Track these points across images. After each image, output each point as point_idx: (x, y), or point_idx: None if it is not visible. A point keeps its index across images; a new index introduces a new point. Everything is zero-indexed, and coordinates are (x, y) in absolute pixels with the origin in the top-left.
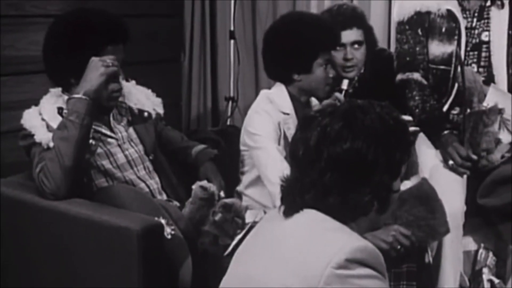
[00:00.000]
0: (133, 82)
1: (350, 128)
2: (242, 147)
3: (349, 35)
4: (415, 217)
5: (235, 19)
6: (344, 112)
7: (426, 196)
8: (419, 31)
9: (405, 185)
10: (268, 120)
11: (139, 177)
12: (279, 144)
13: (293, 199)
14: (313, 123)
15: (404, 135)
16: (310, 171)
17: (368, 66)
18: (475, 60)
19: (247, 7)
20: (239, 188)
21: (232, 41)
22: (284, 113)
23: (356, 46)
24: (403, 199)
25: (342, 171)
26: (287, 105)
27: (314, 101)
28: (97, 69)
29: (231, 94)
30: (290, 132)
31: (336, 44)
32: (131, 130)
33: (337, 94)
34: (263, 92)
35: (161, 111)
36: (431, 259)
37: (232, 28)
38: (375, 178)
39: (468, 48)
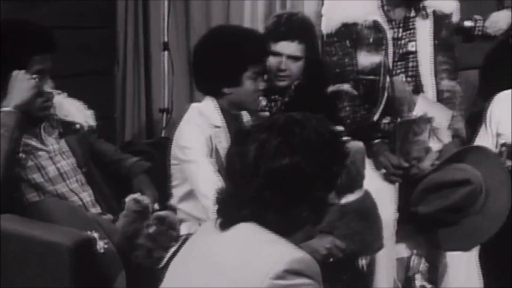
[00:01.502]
0: (64, 94)
1: (288, 143)
2: (172, 161)
3: (288, 47)
4: (353, 230)
5: (168, 30)
6: (281, 127)
7: (366, 212)
8: (347, 43)
9: (348, 198)
10: (199, 133)
11: (71, 190)
12: (211, 157)
13: (230, 213)
14: (250, 137)
15: (340, 147)
16: (247, 187)
17: (305, 76)
18: (402, 69)
19: (180, 18)
20: (172, 202)
21: (166, 53)
22: (215, 126)
23: (292, 59)
24: (344, 211)
25: (281, 187)
26: (218, 118)
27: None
28: (25, 82)
29: (166, 106)
30: (222, 146)
31: (265, 57)
32: (62, 142)
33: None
34: (193, 105)
35: (93, 123)
36: (365, 267)
37: (165, 40)
38: (313, 192)
39: (396, 58)
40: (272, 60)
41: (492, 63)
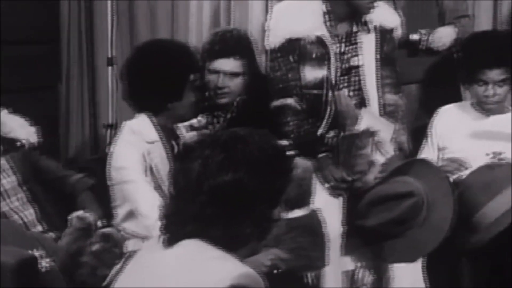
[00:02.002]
0: (5, 111)
1: (231, 159)
2: (110, 182)
3: (224, 64)
4: (299, 245)
5: (113, 45)
6: (224, 143)
7: (313, 228)
8: (291, 58)
9: (295, 213)
10: (132, 152)
11: (12, 209)
12: (146, 175)
13: (174, 229)
14: (193, 154)
15: (284, 163)
16: (191, 203)
17: (247, 92)
18: (346, 84)
19: (125, 33)
20: (115, 222)
21: (111, 68)
22: (149, 142)
23: (230, 75)
24: (291, 226)
25: (224, 203)
26: (153, 134)
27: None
28: None
29: (111, 121)
30: (156, 162)
31: (200, 68)
32: (3, 160)
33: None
34: (126, 124)
35: (35, 140)
36: (310, 280)
37: (111, 55)
38: (257, 209)
39: (340, 73)
40: (210, 78)
41: (433, 77)
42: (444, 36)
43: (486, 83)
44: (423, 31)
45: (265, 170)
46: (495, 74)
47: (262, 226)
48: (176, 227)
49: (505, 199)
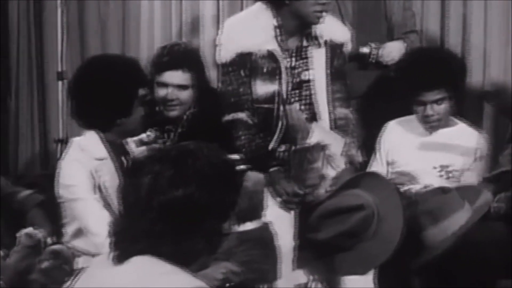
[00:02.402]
0: None
1: (181, 175)
2: (59, 199)
3: (173, 77)
4: (250, 258)
5: (63, 59)
6: (174, 158)
7: (265, 241)
8: (242, 72)
9: (247, 226)
10: (80, 170)
11: None
12: (95, 192)
13: (124, 247)
14: (143, 169)
15: (233, 177)
16: (141, 220)
17: (198, 106)
18: (297, 98)
19: (76, 47)
20: (65, 239)
21: (61, 82)
22: (98, 159)
23: (179, 88)
24: (243, 239)
25: (175, 219)
26: (102, 150)
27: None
28: None
29: (61, 136)
30: (104, 179)
31: (148, 82)
32: None
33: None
34: (74, 140)
35: None
36: None
37: (61, 69)
38: (208, 223)
39: (291, 87)
40: (159, 91)
41: (382, 91)
42: (393, 50)
43: (424, 103)
44: (373, 45)
45: (215, 185)
46: (432, 94)
47: (213, 240)
48: (126, 244)
49: (448, 226)
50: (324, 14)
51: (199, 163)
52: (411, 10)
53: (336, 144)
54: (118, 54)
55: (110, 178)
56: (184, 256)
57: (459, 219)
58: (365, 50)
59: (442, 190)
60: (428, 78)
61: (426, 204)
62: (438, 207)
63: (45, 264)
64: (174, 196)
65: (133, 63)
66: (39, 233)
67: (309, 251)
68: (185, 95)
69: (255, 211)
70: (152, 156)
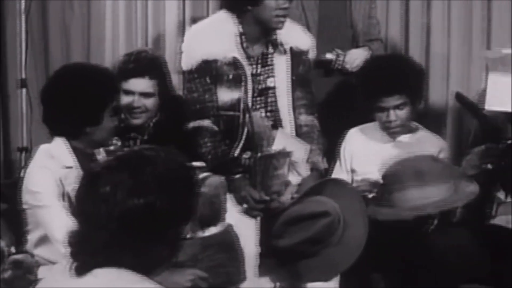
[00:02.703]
0: None
1: (141, 184)
2: (24, 206)
3: (138, 84)
4: (216, 263)
5: (26, 67)
6: (133, 167)
7: (229, 244)
8: (207, 79)
9: (211, 231)
10: (48, 176)
11: None
12: (63, 200)
13: (84, 258)
14: (101, 180)
15: (191, 181)
16: (100, 232)
17: (163, 113)
18: (262, 105)
19: (38, 54)
20: (27, 247)
21: (23, 90)
22: (66, 167)
23: (145, 95)
24: (207, 244)
25: (136, 229)
26: (70, 159)
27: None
28: None
29: (24, 144)
30: (72, 187)
31: (119, 93)
32: None
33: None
34: (42, 147)
35: None
36: None
37: (23, 76)
38: (170, 231)
39: (255, 94)
40: (125, 99)
41: (335, 99)
42: (358, 58)
43: (385, 109)
44: (338, 51)
45: (175, 190)
46: (393, 100)
47: (175, 246)
48: (85, 256)
49: (432, 192)
50: (285, 19)
51: (158, 170)
52: (375, 18)
53: (300, 151)
54: (92, 63)
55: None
56: (147, 265)
57: (445, 191)
58: (329, 56)
59: (433, 158)
60: (388, 84)
61: (417, 164)
62: (429, 171)
63: (7, 274)
64: (135, 206)
65: (105, 73)
66: (1, 243)
67: (273, 258)
68: (150, 102)
69: (217, 215)
70: (110, 166)
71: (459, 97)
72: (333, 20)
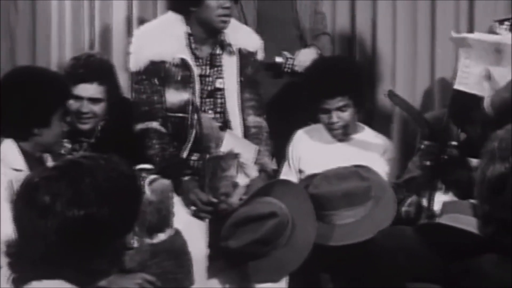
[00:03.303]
0: None
1: (80, 194)
2: None
3: (88, 90)
4: (164, 270)
5: None
6: (72, 178)
7: (177, 251)
8: (155, 81)
9: (159, 237)
10: None
11: None
12: None
13: (23, 270)
14: (39, 190)
15: (134, 189)
16: (39, 244)
17: (110, 116)
18: (211, 106)
19: None
20: None
21: None
22: (16, 170)
23: (93, 101)
24: (155, 251)
25: (76, 241)
26: (19, 162)
27: None
28: None
29: None
30: None
31: (69, 98)
32: None
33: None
34: None
35: None
36: None
37: None
38: (111, 242)
39: (204, 95)
40: (73, 104)
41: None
42: (307, 59)
43: (328, 111)
44: (287, 54)
45: (116, 200)
46: (335, 102)
47: (118, 256)
48: (24, 268)
49: (359, 212)
50: (228, 18)
51: (97, 181)
52: (322, 13)
53: (248, 152)
54: (45, 67)
55: None
56: (89, 278)
57: (369, 209)
58: (279, 60)
59: (360, 176)
60: (330, 86)
61: (343, 185)
62: (355, 191)
63: None
64: (74, 217)
65: (57, 77)
66: None
67: (222, 260)
68: (99, 108)
69: (164, 222)
70: (48, 176)
71: (391, 95)
72: (278, 20)
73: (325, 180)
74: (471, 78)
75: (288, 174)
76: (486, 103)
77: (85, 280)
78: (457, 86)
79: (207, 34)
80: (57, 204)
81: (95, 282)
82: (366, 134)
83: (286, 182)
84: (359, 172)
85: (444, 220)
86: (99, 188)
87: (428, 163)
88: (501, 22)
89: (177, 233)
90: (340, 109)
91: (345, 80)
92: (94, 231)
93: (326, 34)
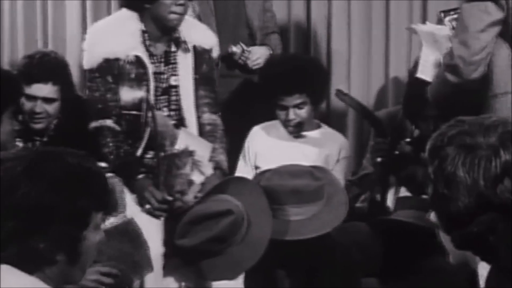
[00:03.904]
0: None
1: (28, 174)
2: None
3: (42, 90)
4: (121, 252)
5: None
6: (28, 158)
7: (131, 233)
8: (109, 78)
9: (111, 222)
10: None
11: None
12: None
13: None
14: None
15: (93, 183)
16: None
17: (64, 115)
18: (166, 104)
19: None
20: None
21: None
22: None
23: (47, 101)
24: (110, 234)
25: (19, 218)
26: None
27: None
28: None
29: None
30: None
31: (21, 96)
32: None
33: None
34: None
35: None
36: None
37: None
38: (54, 226)
39: (158, 93)
40: (26, 104)
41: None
42: (260, 57)
43: (285, 108)
44: (244, 46)
45: (66, 188)
46: (293, 99)
47: (64, 245)
48: None
49: (310, 209)
50: (182, 16)
51: (51, 164)
52: (271, 11)
53: (203, 149)
54: None
55: None
56: (29, 258)
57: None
58: (235, 49)
59: (313, 176)
60: (288, 83)
61: (295, 183)
62: (305, 189)
63: None
64: (19, 195)
65: (8, 75)
66: None
67: (179, 258)
68: (53, 108)
69: (117, 205)
70: (5, 158)
71: (340, 94)
72: (230, 20)
73: (277, 174)
74: (429, 66)
75: (244, 170)
76: (428, 93)
77: (25, 261)
78: (419, 74)
79: (161, 31)
80: (7, 181)
81: (38, 264)
82: (323, 131)
83: (241, 179)
84: (313, 171)
85: (397, 215)
86: (50, 173)
87: (379, 159)
88: (446, 12)
89: (130, 219)
90: (297, 106)
91: (303, 78)
92: (35, 212)
93: (276, 33)
